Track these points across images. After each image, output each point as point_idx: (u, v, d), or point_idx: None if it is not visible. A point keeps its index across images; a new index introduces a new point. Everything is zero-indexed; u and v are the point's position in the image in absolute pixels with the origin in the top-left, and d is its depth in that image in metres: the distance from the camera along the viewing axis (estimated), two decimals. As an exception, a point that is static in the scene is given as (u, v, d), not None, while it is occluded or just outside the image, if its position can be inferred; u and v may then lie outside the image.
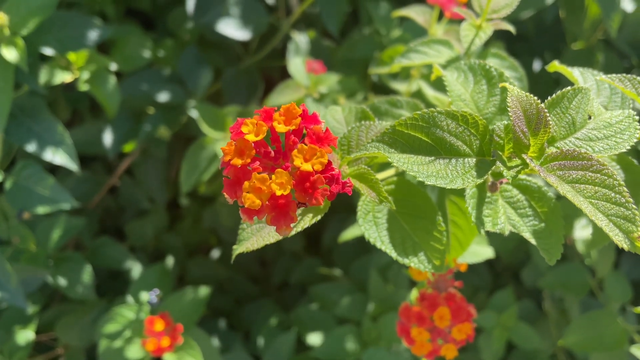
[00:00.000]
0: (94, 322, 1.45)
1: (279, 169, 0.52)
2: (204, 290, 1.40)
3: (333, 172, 0.54)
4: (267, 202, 0.53)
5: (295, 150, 0.53)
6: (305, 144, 0.54)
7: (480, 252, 1.06)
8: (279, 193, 0.51)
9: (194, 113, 1.50)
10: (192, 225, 1.80)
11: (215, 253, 1.86)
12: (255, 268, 1.85)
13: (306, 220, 0.61)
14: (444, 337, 0.85)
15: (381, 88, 1.53)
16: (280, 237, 0.62)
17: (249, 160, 0.53)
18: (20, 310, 1.40)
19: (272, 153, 0.56)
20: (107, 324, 1.33)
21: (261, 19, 1.51)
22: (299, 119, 0.54)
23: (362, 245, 1.73)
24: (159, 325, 1.25)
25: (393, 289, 1.52)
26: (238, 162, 0.53)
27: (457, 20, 1.08)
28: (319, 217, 0.62)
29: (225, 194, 0.54)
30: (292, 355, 1.49)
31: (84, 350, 1.52)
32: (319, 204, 0.53)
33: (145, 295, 1.42)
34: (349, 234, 1.28)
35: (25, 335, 1.35)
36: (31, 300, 1.43)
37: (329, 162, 0.54)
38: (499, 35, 1.60)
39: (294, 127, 0.54)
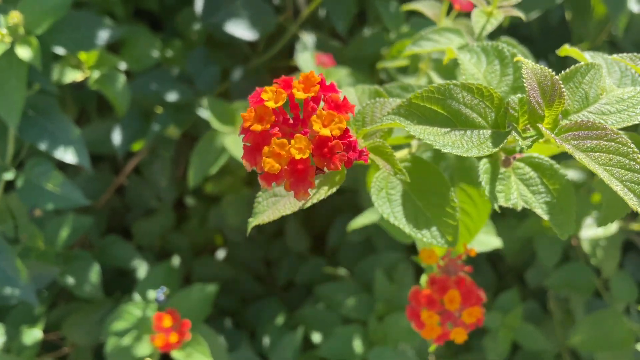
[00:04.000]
0: (101, 320, 1.45)
1: (298, 134, 0.53)
2: (211, 288, 1.41)
3: (350, 139, 0.55)
4: (286, 167, 0.53)
5: (314, 116, 0.54)
6: (324, 111, 0.55)
7: (489, 241, 1.07)
8: (298, 157, 0.52)
9: (202, 113, 1.51)
10: (198, 225, 1.81)
11: (221, 253, 1.87)
12: (260, 268, 1.85)
13: (321, 192, 0.62)
14: (454, 320, 0.85)
15: (389, 84, 1.53)
16: (296, 208, 0.63)
17: (268, 126, 0.54)
18: (28, 309, 1.39)
19: (291, 120, 0.57)
20: (115, 322, 1.33)
21: (269, 19, 1.52)
22: (318, 86, 0.55)
23: (367, 245, 1.73)
24: (167, 322, 1.26)
25: (398, 289, 1.52)
26: (258, 127, 0.54)
27: (466, 14, 1.09)
28: (334, 189, 0.62)
29: (244, 160, 0.55)
30: (298, 355, 1.49)
31: (91, 349, 1.52)
32: (337, 168, 0.53)
33: (152, 293, 1.42)
34: (359, 222, 1.27)
35: (33, 334, 1.35)
36: (39, 299, 1.43)
37: (347, 129, 0.55)
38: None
39: (312, 94, 0.55)
